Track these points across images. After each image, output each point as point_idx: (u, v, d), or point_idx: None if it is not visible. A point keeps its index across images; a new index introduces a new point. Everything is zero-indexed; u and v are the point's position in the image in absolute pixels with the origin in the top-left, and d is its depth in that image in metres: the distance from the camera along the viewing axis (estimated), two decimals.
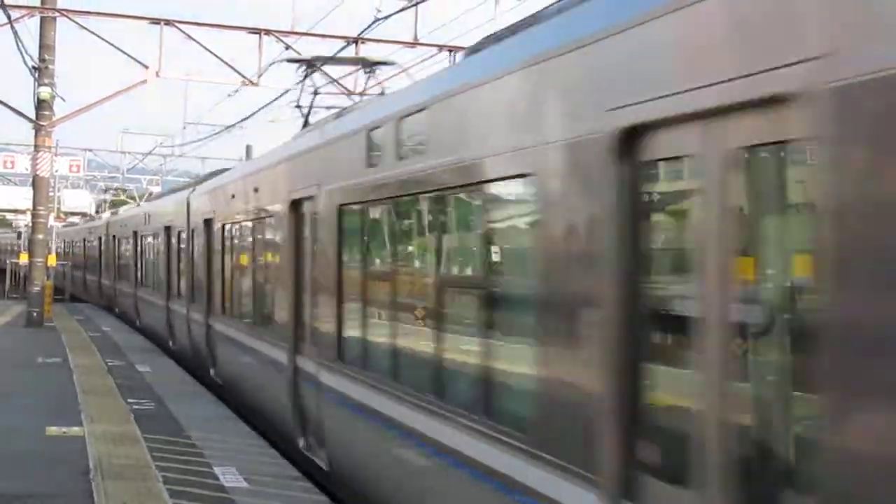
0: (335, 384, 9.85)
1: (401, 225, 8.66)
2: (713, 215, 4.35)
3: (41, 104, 28.59)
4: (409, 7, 17.12)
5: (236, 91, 32.25)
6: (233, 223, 16.16)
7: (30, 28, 41.55)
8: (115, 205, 56.27)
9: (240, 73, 29.56)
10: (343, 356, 9.73)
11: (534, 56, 5.97)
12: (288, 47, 28.70)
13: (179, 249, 22.01)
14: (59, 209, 60.41)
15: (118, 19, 30.04)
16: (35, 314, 28.90)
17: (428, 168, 7.45)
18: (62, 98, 29.65)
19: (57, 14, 28.52)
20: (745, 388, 4.27)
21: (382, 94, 15.79)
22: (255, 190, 14.10)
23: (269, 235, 13.55)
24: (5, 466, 10.40)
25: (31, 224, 33.17)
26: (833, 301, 3.64)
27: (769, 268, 4.26)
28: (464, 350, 7.04)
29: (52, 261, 40.86)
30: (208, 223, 18.18)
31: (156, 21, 28.79)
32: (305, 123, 14.28)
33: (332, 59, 16.30)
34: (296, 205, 11.69)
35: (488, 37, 7.73)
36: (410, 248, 8.54)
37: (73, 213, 64.44)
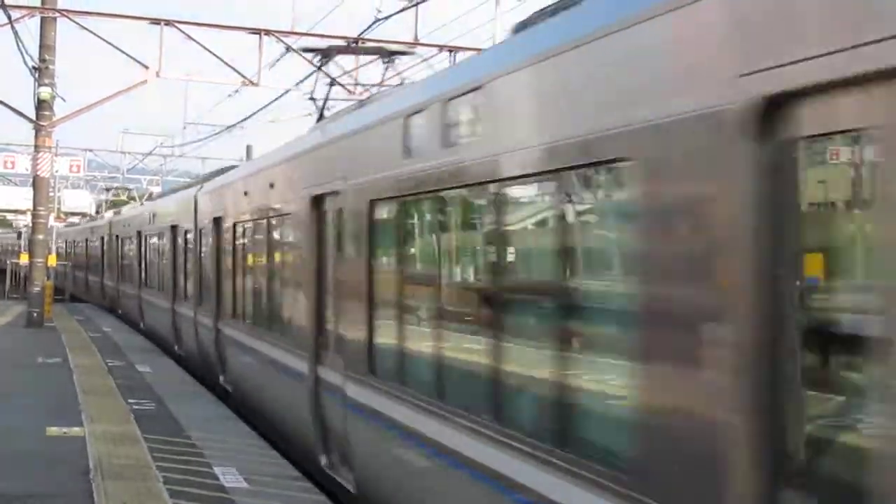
0: (365, 399, 8.91)
1: (450, 221, 7.59)
2: None
3: (41, 104, 28.60)
4: (409, 7, 17.13)
5: (236, 91, 32.29)
6: (245, 222, 15.21)
7: (30, 28, 41.61)
8: (114, 205, 56.25)
9: (240, 74, 29.56)
10: (375, 369, 8.78)
11: (634, 15, 4.90)
12: (288, 48, 28.69)
13: (186, 250, 21.30)
14: (59, 209, 60.40)
15: (118, 19, 30.04)
16: (35, 314, 28.90)
17: (483, 156, 6.49)
18: (62, 98, 29.71)
19: (57, 14, 28.53)
20: None
21: (401, 84, 15.05)
22: (271, 186, 13.20)
23: (286, 234, 12.70)
24: (5, 466, 10.40)
25: (31, 224, 33.15)
26: None
27: None
28: (532, 368, 6.10)
29: (53, 261, 40.86)
30: (217, 222, 17.36)
31: (156, 21, 28.79)
32: (321, 116, 13.58)
33: (349, 49, 15.57)
34: (317, 201, 10.76)
35: (540, 11, 6.85)
36: (462, 248, 7.52)
37: (73, 214, 64.44)
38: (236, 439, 12.55)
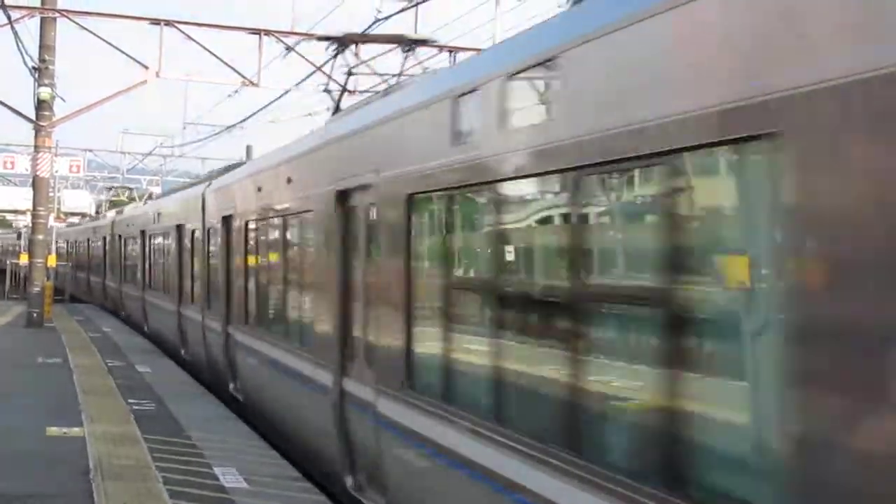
0: (401, 417, 7.98)
1: (515, 217, 6.47)
2: None
3: (41, 104, 28.59)
4: (409, 7, 17.09)
5: (236, 91, 32.28)
6: (259, 220, 14.17)
7: (30, 28, 41.62)
8: (114, 205, 56.24)
9: (240, 74, 29.55)
10: (413, 383, 7.84)
11: None
12: (288, 48, 28.69)
13: (193, 250, 20.25)
14: (58, 209, 60.42)
15: (118, 20, 30.03)
16: (35, 315, 28.90)
17: (564, 139, 5.50)
18: (62, 98, 29.68)
19: (57, 14, 28.52)
20: None
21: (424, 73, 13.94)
22: (288, 181, 12.16)
23: (306, 233, 11.63)
24: (5, 466, 10.40)
25: (30, 224, 33.14)
26: None
27: None
28: (627, 393, 5.21)
29: (52, 261, 40.82)
30: (227, 221, 16.39)
31: (156, 21, 28.78)
32: (336, 109, 12.75)
33: (367, 37, 14.50)
34: (344, 196, 9.83)
35: None
36: (529, 247, 6.44)
37: (73, 214, 64.46)
38: (236, 439, 12.54)
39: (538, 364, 6.00)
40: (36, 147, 29.40)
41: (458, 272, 7.36)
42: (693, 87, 4.46)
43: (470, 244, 7.32)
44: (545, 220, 6.14)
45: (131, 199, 56.42)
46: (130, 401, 15.06)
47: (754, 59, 4.08)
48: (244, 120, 33.60)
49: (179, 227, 21.84)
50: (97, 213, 59.90)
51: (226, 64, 29.52)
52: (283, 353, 12.16)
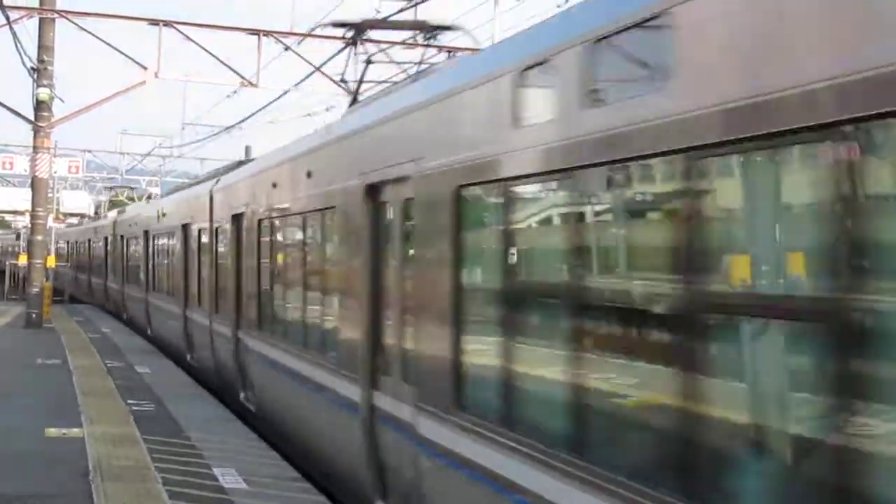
0: (450, 443, 6.98)
1: (603, 208, 5.50)
2: None
3: (40, 105, 28.60)
4: (408, 7, 17.05)
5: (235, 92, 32.28)
6: (273, 218, 13.17)
7: (28, 29, 41.68)
8: (114, 205, 56.28)
9: (239, 74, 29.54)
10: (464, 404, 6.83)
11: None
12: (287, 48, 28.71)
13: (199, 250, 19.36)
14: (57, 210, 60.44)
15: (117, 20, 30.02)
16: (34, 315, 28.90)
17: (675, 114, 4.51)
18: (61, 99, 29.72)
19: (56, 15, 28.52)
20: None
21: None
22: (308, 175, 11.16)
23: (328, 232, 10.66)
24: (5, 467, 10.39)
25: (29, 225, 33.14)
26: None
27: None
28: (746, 421, 4.27)
29: (52, 262, 40.81)
30: (237, 219, 15.47)
31: (154, 22, 28.78)
32: (354, 100, 12.01)
33: (385, 24, 13.53)
34: (374, 190, 8.86)
35: None
36: (627, 246, 5.41)
37: (72, 215, 64.49)
38: (236, 440, 12.54)
39: (632, 387, 5.09)
40: (35, 148, 29.41)
41: (525, 276, 6.32)
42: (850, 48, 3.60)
43: (543, 243, 6.24)
44: (651, 211, 5.10)
45: (131, 200, 56.46)
46: (130, 402, 15.05)
47: None
48: (243, 120, 33.77)
49: (185, 227, 21.10)
50: (96, 213, 59.91)
51: (224, 64, 29.55)
52: (302, 362, 11.22)
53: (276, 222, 13.10)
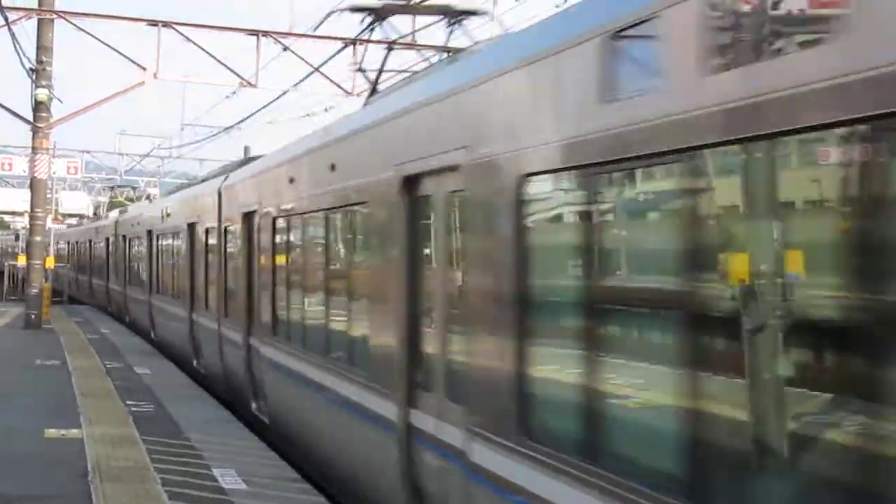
0: (512, 475, 6.00)
1: (726, 196, 4.45)
2: None
3: (39, 106, 28.59)
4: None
5: (234, 92, 32.27)
6: (291, 216, 12.11)
7: (27, 30, 41.76)
8: (113, 206, 56.27)
9: (238, 75, 29.53)
10: (532, 430, 5.83)
11: None
12: (286, 48, 28.70)
13: (207, 251, 18.46)
14: (56, 211, 60.45)
15: (116, 21, 30.01)
16: (33, 316, 28.89)
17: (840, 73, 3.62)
18: (60, 100, 29.67)
19: (54, 16, 28.51)
20: None
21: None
22: (332, 168, 10.19)
23: (356, 230, 9.77)
24: (4, 468, 10.38)
25: (28, 226, 33.13)
26: None
27: None
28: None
29: (51, 263, 40.77)
30: (249, 218, 14.58)
31: (153, 23, 28.76)
32: (373, 90, 11.25)
33: (407, 8, 12.55)
34: (412, 183, 7.94)
35: None
36: (777, 248, 4.17)
37: (70, 215, 64.51)
38: (235, 441, 12.52)
39: (759, 415, 4.17)
40: (33, 148, 29.40)
41: (618, 281, 5.27)
42: None
43: (643, 240, 5.23)
44: (813, 203, 4.10)
45: (130, 200, 56.48)
46: (129, 402, 15.04)
47: None
48: (242, 121, 33.79)
49: (191, 227, 20.21)
50: (95, 214, 59.92)
51: (223, 65, 29.53)
52: (325, 373, 10.30)
53: (294, 220, 12.03)
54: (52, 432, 12.39)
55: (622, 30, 5.06)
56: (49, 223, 39.66)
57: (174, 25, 28.77)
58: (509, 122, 6.27)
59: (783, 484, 4.01)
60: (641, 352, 5.13)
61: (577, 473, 5.24)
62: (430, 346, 7.64)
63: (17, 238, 66.30)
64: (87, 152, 62.44)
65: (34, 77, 28.38)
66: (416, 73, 10.41)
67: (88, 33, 28.55)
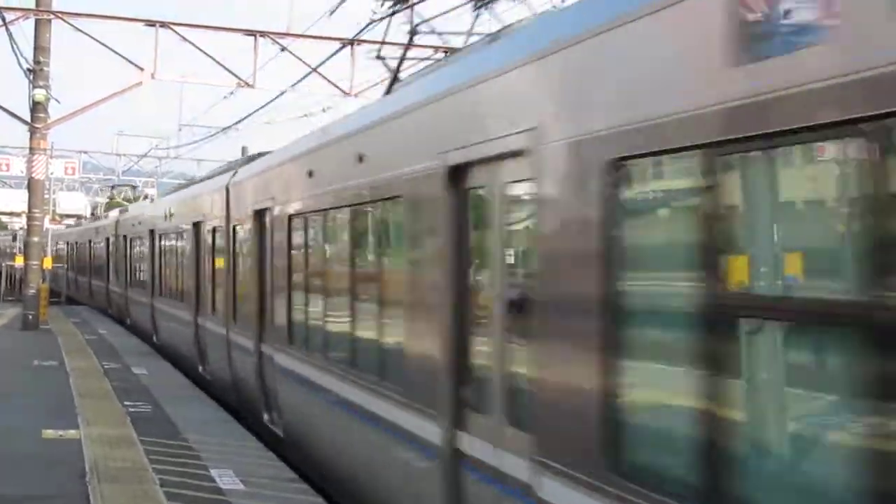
0: None
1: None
2: None
3: (36, 106, 28.57)
4: (404, 8, 17.01)
5: (232, 93, 32.24)
6: (310, 213, 11.06)
7: (24, 30, 41.75)
8: (110, 207, 56.23)
9: (235, 75, 29.53)
10: (622, 466, 4.79)
11: None
12: (283, 49, 28.70)
13: (214, 251, 17.53)
14: (54, 212, 60.42)
15: (113, 21, 30.00)
16: (31, 317, 28.88)
17: None
18: (57, 100, 29.67)
19: (52, 16, 28.49)
20: None
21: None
22: (360, 159, 9.16)
23: (389, 227, 8.79)
24: (1, 469, 10.38)
25: (26, 227, 33.11)
26: None
27: None
28: None
29: (48, 263, 40.72)
30: (261, 216, 13.64)
31: (151, 23, 28.76)
32: (394, 81, 10.51)
33: None
34: (461, 173, 6.90)
35: None
36: None
37: (68, 216, 64.48)
38: (233, 442, 12.51)
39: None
40: (31, 149, 29.39)
41: (749, 286, 4.20)
42: None
43: (787, 233, 4.13)
44: None
45: (127, 201, 56.43)
46: (126, 403, 15.03)
47: None
48: (240, 121, 33.82)
49: (197, 226, 19.23)
50: (93, 214, 59.88)
51: (221, 65, 29.52)
52: (351, 386, 9.32)
53: (314, 218, 10.98)
54: (49, 433, 12.38)
55: None
56: (47, 224, 39.67)
57: (171, 26, 28.77)
58: (595, 96, 5.18)
59: None
60: (785, 372, 4.07)
61: None
62: (482, 361, 6.62)
63: (14, 239, 66.24)
64: (85, 153, 62.46)
65: (31, 77, 28.37)
66: (445, 57, 9.40)
67: (86, 33, 28.57)
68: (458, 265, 6.98)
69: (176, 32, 28.70)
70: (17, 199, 51.32)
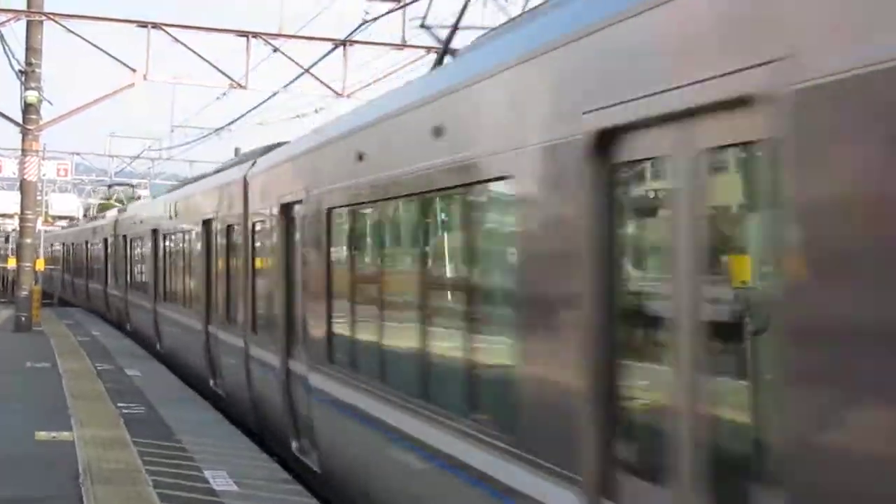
0: None
1: None
2: None
3: (28, 108, 28.55)
4: (396, 9, 17.04)
5: (224, 94, 32.24)
6: (360, 204, 9.05)
7: (16, 32, 41.73)
8: (103, 208, 56.16)
9: (227, 76, 29.51)
10: None
11: None
12: (276, 49, 28.68)
13: (229, 252, 15.45)
14: (46, 213, 60.34)
15: (105, 22, 29.96)
16: (23, 318, 28.84)
17: None
18: (49, 102, 29.65)
19: (43, 17, 28.46)
20: None
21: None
22: (437, 133, 7.09)
23: (485, 221, 6.73)
24: None
25: (19, 228, 33.05)
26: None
27: None
28: None
29: (41, 265, 40.65)
30: (289, 210, 11.72)
31: (143, 24, 28.72)
32: (442, 57, 9.26)
33: None
34: (614, 138, 4.90)
35: None
36: None
37: (60, 217, 64.40)
38: (227, 443, 12.51)
39: None
40: (23, 151, 29.35)
41: None
42: None
43: None
44: None
45: (120, 202, 56.39)
46: (120, 405, 15.02)
47: None
48: (232, 122, 33.77)
49: (207, 224, 17.18)
50: (85, 216, 59.79)
51: (213, 66, 29.49)
52: (427, 425, 7.25)
53: (366, 210, 9.02)
54: (42, 435, 12.36)
55: None
56: (39, 225, 39.59)
57: (163, 27, 28.73)
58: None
59: None
60: None
61: None
62: (656, 404, 4.66)
63: (6, 240, 66.19)
64: (77, 154, 62.30)
65: (23, 79, 28.35)
66: (494, 31, 7.77)
67: (78, 35, 28.53)
68: (605, 268, 5.00)
69: (168, 33, 28.66)
70: (9, 201, 51.20)
